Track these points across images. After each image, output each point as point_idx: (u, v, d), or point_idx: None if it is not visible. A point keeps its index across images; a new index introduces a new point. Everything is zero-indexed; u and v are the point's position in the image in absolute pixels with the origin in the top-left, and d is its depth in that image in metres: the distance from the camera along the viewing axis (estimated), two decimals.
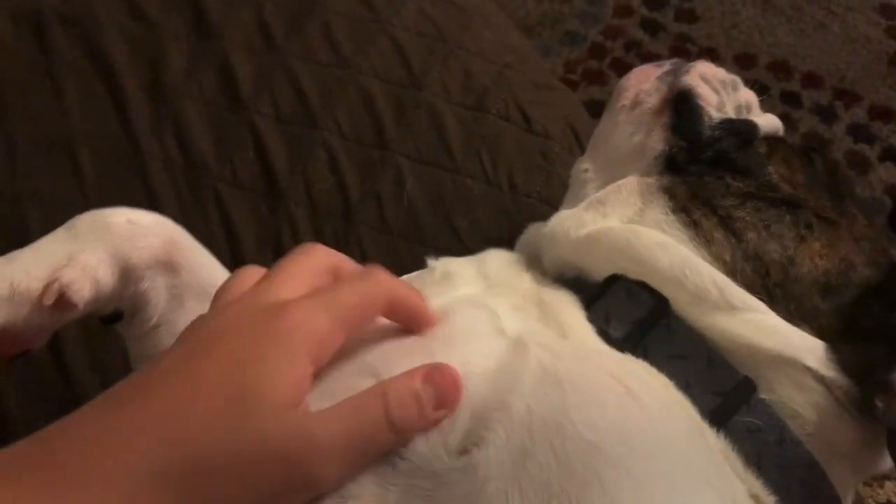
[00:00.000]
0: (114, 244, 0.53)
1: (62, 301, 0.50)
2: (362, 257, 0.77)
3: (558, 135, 0.84)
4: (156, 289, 0.55)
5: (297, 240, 0.76)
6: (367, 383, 0.42)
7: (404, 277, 0.62)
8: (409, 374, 0.42)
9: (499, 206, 0.79)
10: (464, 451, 0.40)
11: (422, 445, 0.40)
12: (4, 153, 0.77)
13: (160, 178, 0.77)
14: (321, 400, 0.40)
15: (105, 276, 0.52)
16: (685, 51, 1.75)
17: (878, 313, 0.53)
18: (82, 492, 0.35)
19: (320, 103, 0.81)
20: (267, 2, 0.88)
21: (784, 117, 1.65)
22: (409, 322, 0.46)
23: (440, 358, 0.44)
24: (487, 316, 0.49)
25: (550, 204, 0.77)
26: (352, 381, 0.42)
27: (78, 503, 0.35)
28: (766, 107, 1.67)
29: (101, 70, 0.82)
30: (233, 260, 0.74)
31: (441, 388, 0.41)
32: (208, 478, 0.37)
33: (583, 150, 0.80)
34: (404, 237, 0.77)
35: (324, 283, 0.45)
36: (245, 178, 0.78)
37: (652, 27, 1.80)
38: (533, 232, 0.64)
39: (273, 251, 0.75)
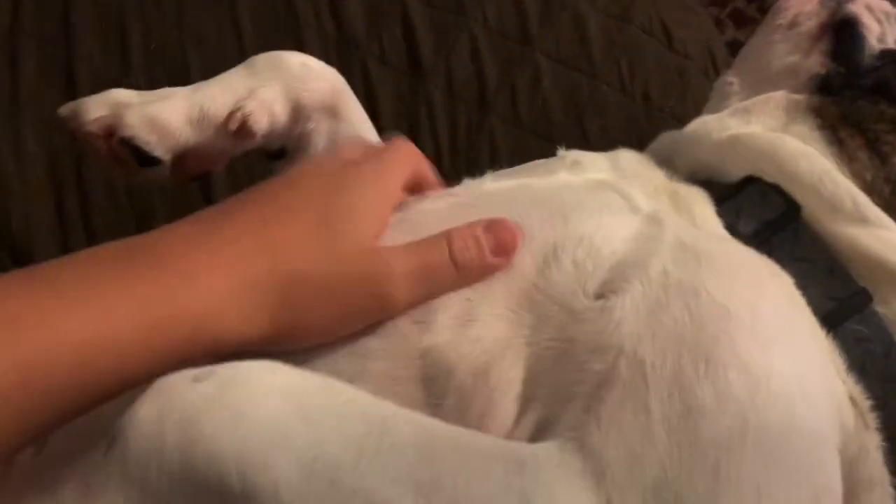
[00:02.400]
0: (289, 83, 0.57)
1: (243, 129, 0.54)
2: (492, 147, 0.80)
3: (697, 56, 0.85)
4: (319, 131, 0.58)
5: (432, 120, 0.79)
6: None
7: (533, 163, 0.65)
8: (473, 223, 0.46)
9: (630, 116, 0.81)
10: (601, 295, 0.43)
11: (560, 285, 0.44)
12: (173, 2, 0.82)
13: (312, 45, 0.80)
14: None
15: (280, 110, 0.56)
16: None
17: None
18: (191, 282, 0.39)
19: None
20: None
21: None
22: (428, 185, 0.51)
23: (571, 218, 0.47)
24: (621, 196, 0.52)
25: (682, 121, 0.78)
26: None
27: (187, 291, 0.38)
28: None
29: None
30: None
31: (499, 237, 0.45)
32: (300, 289, 0.41)
33: (718, 74, 0.81)
34: (534, 132, 0.80)
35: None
36: (391, 55, 0.81)
37: None
38: (667, 137, 0.66)
39: (409, 127, 0.79)
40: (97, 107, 0.53)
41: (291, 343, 0.43)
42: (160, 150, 0.53)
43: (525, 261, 0.46)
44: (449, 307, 0.44)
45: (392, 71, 0.80)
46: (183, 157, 0.54)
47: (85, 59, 0.80)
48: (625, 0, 0.85)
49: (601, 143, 0.78)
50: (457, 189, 0.57)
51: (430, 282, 0.44)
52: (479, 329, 0.44)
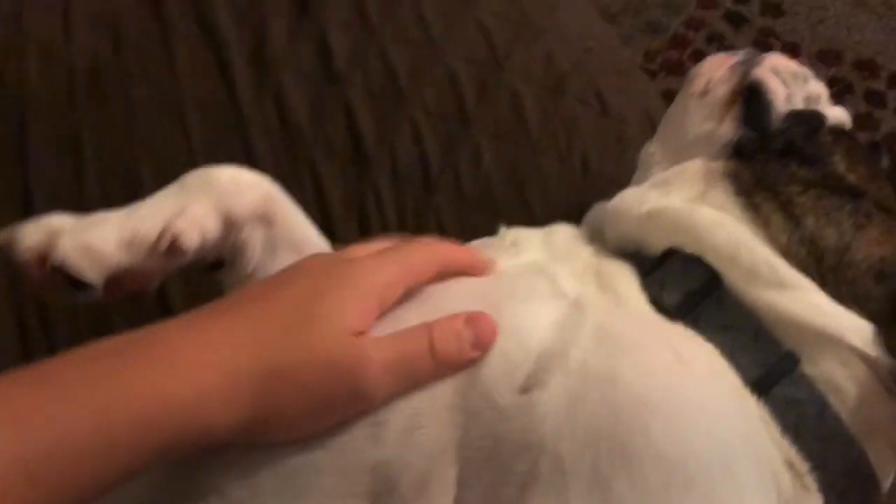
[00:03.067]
0: (219, 197, 0.59)
1: (174, 247, 0.57)
2: (439, 225, 0.82)
3: (633, 120, 0.88)
4: (253, 239, 0.61)
5: (379, 206, 0.82)
6: None
7: (476, 242, 0.68)
8: (453, 316, 0.48)
9: (571, 185, 0.83)
10: (526, 389, 0.45)
11: (489, 380, 0.45)
12: (123, 110, 0.85)
13: (260, 143, 0.83)
14: (382, 333, 0.47)
15: (211, 225, 0.58)
16: (768, 45, 1.74)
17: None
18: (181, 379, 0.41)
19: (408, 80, 0.87)
20: None
21: (867, 116, 1.64)
22: (465, 273, 0.53)
23: (503, 309, 0.49)
24: (549, 280, 0.54)
25: (622, 185, 0.80)
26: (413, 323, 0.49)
27: (177, 388, 0.41)
28: (849, 105, 1.67)
29: (209, 40, 0.89)
30: (322, 221, 0.80)
31: (479, 331, 0.47)
32: (278, 380, 0.43)
33: None
34: (479, 209, 0.82)
35: None
36: (336, 147, 0.84)
37: (736, 20, 1.79)
38: (597, 209, 0.69)
39: (357, 214, 0.81)
40: (31, 234, 0.55)
41: (271, 434, 0.45)
42: (92, 275, 0.55)
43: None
44: (398, 415, 0.46)
45: (338, 162, 0.83)
46: (117, 278, 0.56)
47: (39, 173, 0.82)
48: (558, 72, 0.88)
49: (544, 213, 0.81)
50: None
51: (407, 373, 0.46)
52: (423, 435, 0.45)
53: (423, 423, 0.45)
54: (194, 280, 0.76)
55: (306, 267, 0.50)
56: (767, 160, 0.60)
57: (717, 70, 0.66)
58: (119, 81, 0.87)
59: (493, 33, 0.90)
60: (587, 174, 0.84)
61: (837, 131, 0.64)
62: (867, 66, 1.70)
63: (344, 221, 0.81)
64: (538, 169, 0.84)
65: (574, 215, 0.73)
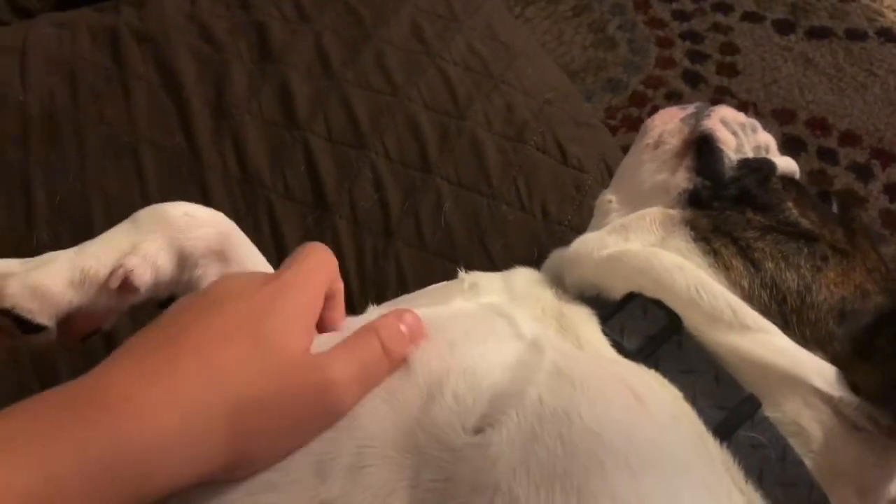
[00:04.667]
0: (172, 234, 0.58)
1: (126, 285, 0.55)
2: (398, 272, 0.81)
3: (592, 169, 0.88)
4: (208, 276, 0.59)
5: (338, 250, 0.80)
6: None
7: (435, 285, 0.67)
8: (391, 315, 0.50)
9: (531, 232, 0.83)
10: (479, 430, 0.44)
11: (441, 421, 0.44)
12: (76, 154, 0.83)
13: (217, 188, 0.82)
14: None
15: (164, 262, 0.57)
16: (724, 103, 1.78)
17: (890, 334, 0.56)
18: (138, 422, 0.39)
19: (370, 127, 0.87)
20: (326, 30, 0.94)
21: (820, 173, 1.68)
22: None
23: (459, 348, 0.48)
24: (507, 321, 0.53)
25: (580, 232, 0.81)
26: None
27: (134, 431, 0.39)
28: (803, 162, 1.70)
29: (169, 84, 0.89)
30: (278, 264, 0.79)
31: (411, 325, 0.49)
32: (249, 413, 0.42)
33: None
34: (439, 255, 0.81)
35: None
36: (295, 191, 0.83)
37: (693, 79, 1.84)
38: (557, 256, 0.68)
39: None
40: None
41: (248, 467, 0.43)
42: (43, 317, 0.53)
43: (411, 397, 0.47)
44: (344, 452, 0.44)
45: (297, 205, 0.82)
46: (69, 319, 0.54)
47: None
48: (518, 122, 0.89)
49: (504, 260, 0.80)
50: (354, 321, 0.58)
51: (370, 378, 0.47)
52: (370, 475, 0.44)
53: (369, 462, 0.44)
54: (141, 320, 0.74)
55: (227, 289, 0.48)
56: (723, 207, 0.61)
57: (669, 122, 0.67)
58: (74, 125, 0.86)
59: (454, 83, 0.91)
60: (547, 221, 0.84)
61: (787, 179, 0.65)
62: (819, 125, 1.75)
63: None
64: (499, 216, 0.83)
65: (534, 262, 0.72)
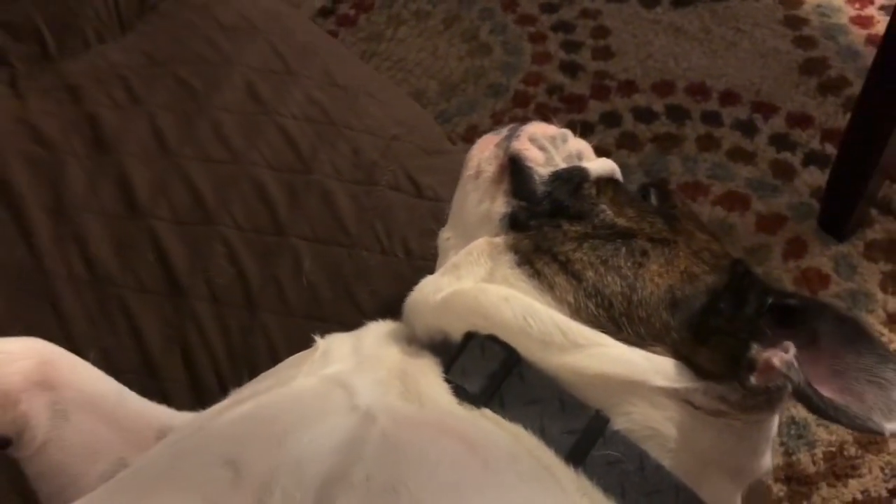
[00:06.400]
0: None
1: None
2: (268, 343, 0.79)
3: (448, 197, 0.87)
4: (36, 409, 0.57)
5: (203, 334, 0.78)
6: (224, 473, 0.45)
7: (292, 357, 0.66)
8: None
9: (396, 274, 0.82)
10: None
11: None
12: None
13: (66, 296, 0.79)
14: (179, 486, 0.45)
15: None
16: (605, 87, 1.81)
17: (726, 310, 0.56)
18: None
19: (215, 199, 0.85)
20: (159, 109, 0.92)
21: (707, 137, 1.71)
22: None
23: (292, 436, 0.47)
24: (346, 393, 0.52)
25: None
26: (211, 471, 0.46)
27: None
28: (689, 129, 1.72)
29: (3, 195, 0.86)
30: (143, 364, 0.77)
31: None
32: None
33: None
34: (307, 317, 0.80)
35: None
36: (148, 282, 0.81)
37: (571, 69, 1.86)
38: (406, 305, 0.68)
39: (180, 347, 0.78)
40: None
41: None
42: None
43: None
44: None
45: (152, 297, 0.80)
46: None
47: None
48: (367, 164, 0.88)
49: (374, 308, 0.79)
50: (192, 424, 0.57)
51: None
52: None
53: None
54: None
55: None
56: (541, 225, 0.61)
57: (485, 150, 0.67)
58: None
59: (296, 137, 0.90)
60: (410, 259, 0.83)
61: (602, 181, 0.65)
62: (699, 90, 1.78)
63: (166, 357, 0.77)
64: (361, 264, 0.82)
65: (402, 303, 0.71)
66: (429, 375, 0.55)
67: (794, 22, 1.88)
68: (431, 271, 0.82)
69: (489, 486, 0.45)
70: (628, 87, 1.81)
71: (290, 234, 0.83)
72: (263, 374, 0.65)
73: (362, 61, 1.22)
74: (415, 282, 0.80)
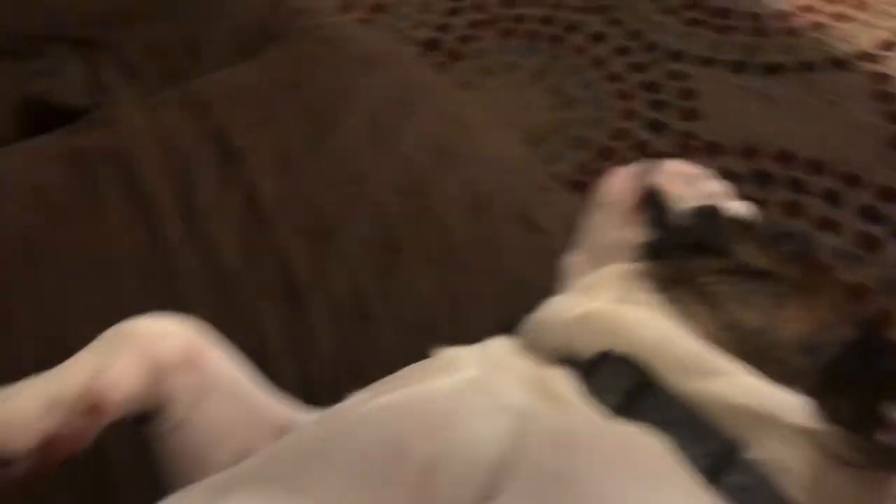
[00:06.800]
0: (139, 350, 0.58)
1: (98, 406, 0.55)
2: (379, 355, 0.82)
3: (559, 232, 0.89)
4: (180, 387, 0.60)
5: (316, 342, 0.81)
6: (384, 451, 0.47)
7: (411, 366, 0.68)
8: None
9: (508, 300, 0.83)
10: (481, 500, 0.44)
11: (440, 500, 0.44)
12: (55, 281, 0.85)
13: (192, 293, 0.83)
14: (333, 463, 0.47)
15: (133, 379, 0.57)
16: (690, 147, 1.83)
17: (858, 363, 0.56)
18: None
19: (337, 215, 0.89)
20: (285, 128, 0.97)
21: (793, 204, 1.70)
22: None
23: (451, 425, 0.49)
24: (490, 395, 0.54)
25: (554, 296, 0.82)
26: (369, 449, 0.49)
27: None
28: (772, 193, 1.72)
29: (139, 199, 0.91)
30: (259, 361, 0.79)
31: None
32: None
33: None
34: (419, 334, 0.81)
35: None
36: (269, 287, 0.84)
37: (657, 127, 1.88)
38: (530, 322, 0.69)
39: (294, 352, 0.81)
40: None
41: None
42: (15, 449, 0.53)
43: (404, 482, 0.47)
44: None
45: (273, 302, 0.83)
46: (44, 446, 0.55)
47: None
48: (481, 194, 0.91)
49: (482, 332, 0.78)
50: (334, 412, 0.59)
51: None
52: None
53: None
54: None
55: None
56: (680, 256, 0.62)
57: (623, 181, 0.70)
58: (50, 250, 0.88)
59: (414, 164, 0.94)
60: (520, 289, 0.85)
61: (741, 222, 0.67)
62: (785, 157, 1.79)
63: (282, 360, 0.80)
64: (474, 288, 0.85)
65: (512, 331, 0.73)
66: (566, 384, 0.56)
67: (885, 97, 1.88)
68: (540, 301, 0.85)
69: (659, 494, 0.46)
70: (713, 149, 1.83)
71: (406, 254, 0.86)
72: (383, 380, 0.67)
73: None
74: (523, 310, 0.83)
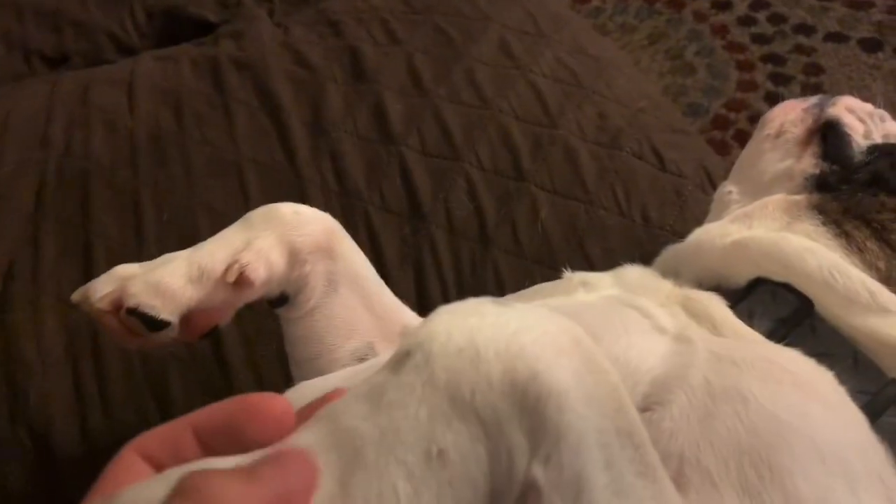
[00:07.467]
0: (282, 231, 0.59)
1: (242, 280, 0.56)
2: (497, 279, 0.80)
3: (691, 174, 0.87)
4: (316, 273, 0.60)
5: (436, 259, 0.81)
6: None
7: (540, 285, 0.66)
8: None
9: (631, 237, 0.81)
10: (645, 409, 0.44)
11: None
12: (183, 173, 0.86)
13: (317, 201, 0.83)
14: None
15: (276, 258, 0.58)
16: None
17: None
18: None
19: (463, 139, 0.87)
20: (417, 51, 0.96)
21: None
22: None
23: (605, 341, 0.46)
24: (640, 312, 0.51)
25: (682, 237, 0.79)
26: None
27: None
28: None
29: (267, 106, 0.92)
30: (378, 273, 0.79)
31: None
32: None
33: (715, 188, 0.82)
34: (538, 261, 0.81)
35: None
36: (392, 202, 0.84)
37: (777, 101, 1.80)
38: (671, 250, 0.67)
39: (413, 267, 0.80)
40: (103, 285, 0.56)
41: None
42: (166, 313, 0.54)
43: None
44: None
45: (394, 217, 0.83)
46: (190, 316, 0.56)
47: (101, 235, 0.83)
48: (612, 129, 0.88)
49: (605, 265, 0.78)
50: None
51: None
52: None
53: None
54: (245, 326, 0.75)
55: None
56: (853, 191, 0.59)
57: (790, 113, 0.66)
58: (179, 146, 0.89)
59: (545, 94, 0.91)
60: (648, 226, 0.82)
61: None
62: None
63: (400, 274, 0.80)
64: (597, 221, 0.82)
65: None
66: (718, 306, 0.54)
67: None
68: (669, 241, 0.81)
69: (827, 416, 0.44)
70: None
71: (530, 182, 0.84)
72: (515, 294, 0.65)
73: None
74: (650, 247, 0.80)
